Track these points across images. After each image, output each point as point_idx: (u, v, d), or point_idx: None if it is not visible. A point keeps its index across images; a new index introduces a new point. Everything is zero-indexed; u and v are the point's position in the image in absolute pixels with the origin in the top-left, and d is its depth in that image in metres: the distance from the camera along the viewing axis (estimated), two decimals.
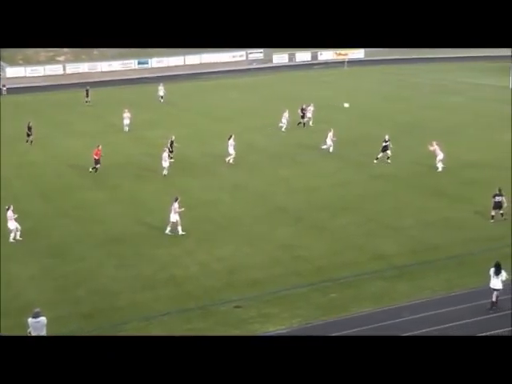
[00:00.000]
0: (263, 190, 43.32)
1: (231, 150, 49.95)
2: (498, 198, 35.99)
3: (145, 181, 46.32)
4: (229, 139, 50.23)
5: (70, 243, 35.28)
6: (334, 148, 52.05)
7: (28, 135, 57.58)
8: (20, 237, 35.46)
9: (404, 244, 33.69)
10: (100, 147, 48.60)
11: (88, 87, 79.55)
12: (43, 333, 22.68)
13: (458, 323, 25.52)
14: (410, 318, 26.21)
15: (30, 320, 22.83)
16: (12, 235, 35.42)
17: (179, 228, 35.10)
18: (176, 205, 35.11)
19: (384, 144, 47.87)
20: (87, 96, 77.78)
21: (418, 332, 24.63)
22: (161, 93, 77.92)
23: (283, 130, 60.08)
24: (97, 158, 47.88)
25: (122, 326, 26.50)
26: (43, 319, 22.79)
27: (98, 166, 47.90)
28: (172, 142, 50.53)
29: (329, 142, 51.91)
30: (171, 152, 50.01)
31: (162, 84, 79.39)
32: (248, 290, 29.47)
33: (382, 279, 29.95)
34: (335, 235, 35.23)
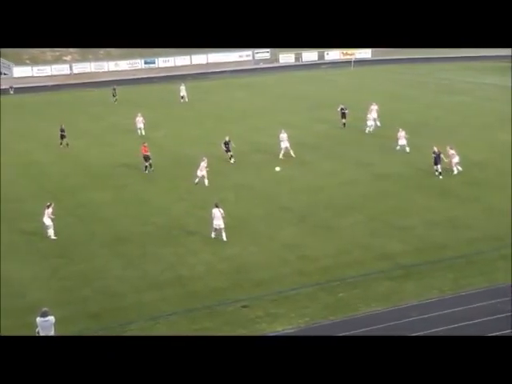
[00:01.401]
0: (268, 190, 43.29)
1: (285, 144, 50.30)
2: None
3: (151, 181, 46.29)
4: (279, 134, 50.59)
5: (76, 243, 35.32)
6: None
7: (62, 137, 56.52)
8: (49, 236, 35.91)
9: (410, 243, 33.61)
10: (146, 144, 48.74)
11: (115, 86, 79.90)
12: (51, 332, 22.72)
13: (467, 323, 25.44)
14: (419, 317, 26.16)
15: (39, 319, 22.88)
16: (51, 231, 35.67)
17: (223, 234, 34.58)
18: (221, 210, 34.35)
19: (434, 156, 44.29)
20: (114, 95, 78.17)
21: (427, 332, 24.58)
22: (182, 93, 77.74)
23: (370, 130, 57.69)
24: (146, 154, 47.99)
25: (128, 326, 26.53)
26: (51, 318, 22.85)
27: (149, 161, 48.04)
28: (227, 143, 49.82)
29: (402, 141, 50.46)
30: (228, 151, 49.74)
31: (183, 84, 79.26)
32: (254, 289, 29.44)
33: (389, 279, 29.89)
34: (341, 235, 35.17)
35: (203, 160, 44.70)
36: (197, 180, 44.25)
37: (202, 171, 44.35)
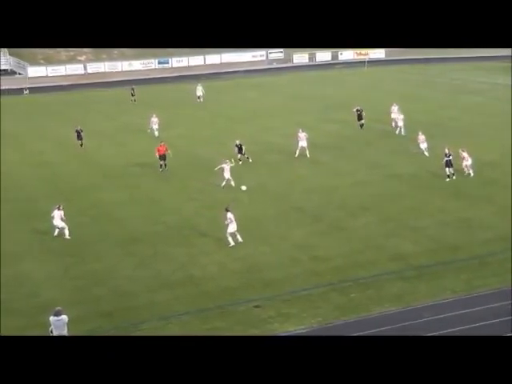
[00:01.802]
0: (281, 190, 43.25)
1: (302, 143, 50.24)
2: None
3: (163, 181, 46.35)
4: (297, 133, 50.57)
5: (88, 243, 35.40)
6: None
7: (79, 138, 56.23)
8: (56, 235, 36.05)
9: (423, 244, 33.51)
10: (163, 143, 48.77)
11: (133, 86, 79.92)
12: (64, 331, 22.87)
13: (480, 324, 25.32)
14: (431, 318, 26.05)
15: (52, 318, 23.04)
16: (67, 231, 35.78)
17: (238, 236, 34.22)
18: (232, 216, 33.92)
19: (446, 159, 43.53)
20: (132, 95, 78.22)
21: (439, 333, 24.46)
22: (199, 93, 77.88)
23: (403, 133, 56.04)
24: (163, 153, 48.08)
25: (140, 325, 26.57)
26: (64, 317, 23.02)
27: (165, 161, 48.19)
28: (238, 146, 49.45)
29: (424, 145, 49.22)
30: (243, 155, 49.38)
31: (199, 84, 79.48)
32: (266, 289, 29.42)
33: (402, 279, 29.81)
34: (353, 235, 35.10)
35: (225, 162, 44.20)
36: (224, 183, 43.86)
37: (227, 174, 43.88)
